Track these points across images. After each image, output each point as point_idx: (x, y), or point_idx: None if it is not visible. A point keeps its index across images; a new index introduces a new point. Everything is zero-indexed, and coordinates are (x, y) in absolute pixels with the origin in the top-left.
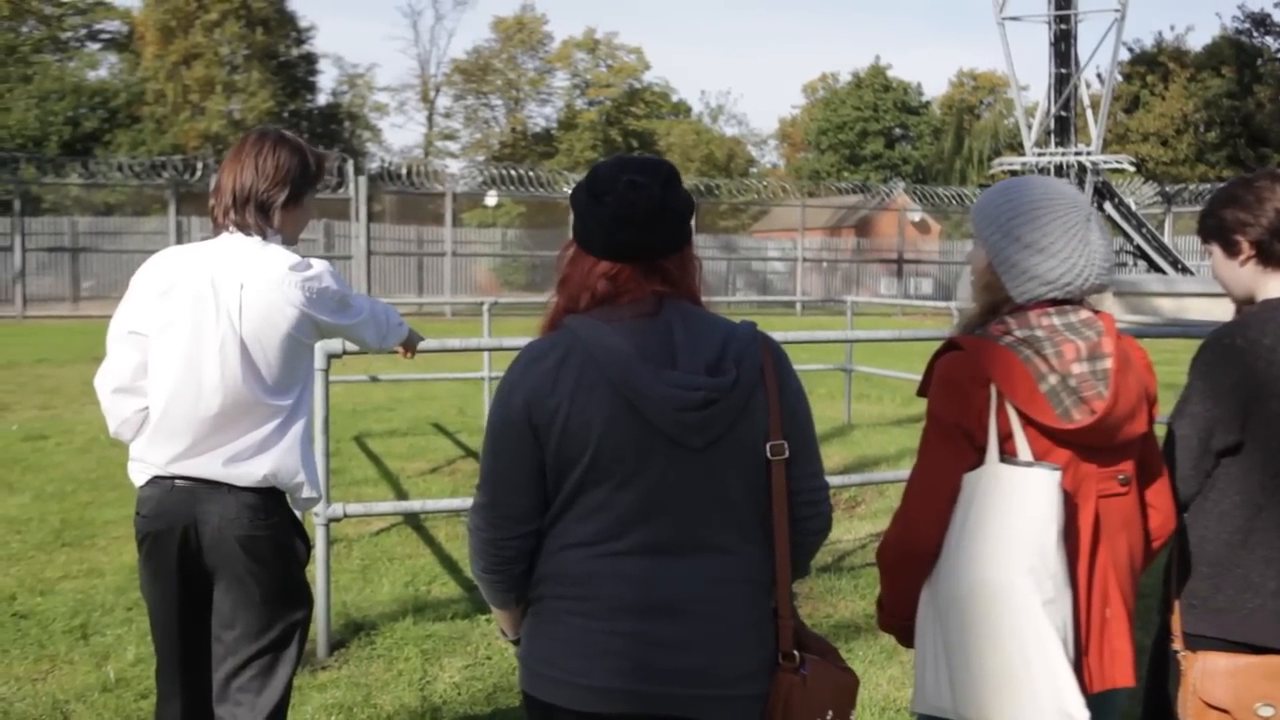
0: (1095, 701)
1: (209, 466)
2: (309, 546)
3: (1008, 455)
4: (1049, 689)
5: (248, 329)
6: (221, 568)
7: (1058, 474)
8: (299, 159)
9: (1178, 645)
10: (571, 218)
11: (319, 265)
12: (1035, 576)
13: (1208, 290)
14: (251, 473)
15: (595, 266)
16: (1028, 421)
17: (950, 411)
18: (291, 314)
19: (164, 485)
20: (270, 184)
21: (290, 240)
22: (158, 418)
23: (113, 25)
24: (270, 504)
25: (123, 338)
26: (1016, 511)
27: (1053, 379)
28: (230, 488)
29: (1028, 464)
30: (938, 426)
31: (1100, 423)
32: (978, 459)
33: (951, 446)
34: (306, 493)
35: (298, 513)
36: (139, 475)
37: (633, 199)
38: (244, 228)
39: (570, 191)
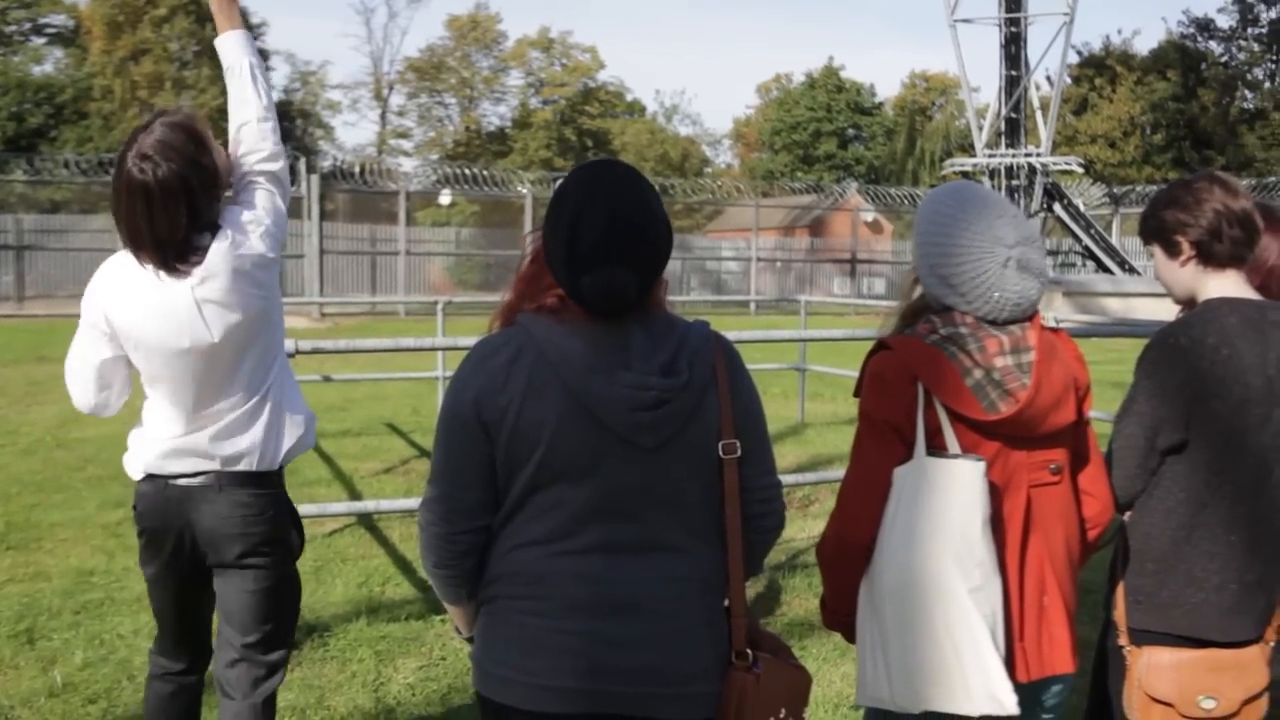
0: (1036, 688)
1: (198, 447)
2: (303, 539)
3: (936, 449)
4: (978, 675)
5: (210, 312)
6: (217, 563)
7: (981, 464)
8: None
9: (1123, 640)
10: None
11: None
12: (961, 565)
13: (1154, 290)
14: (241, 457)
15: (553, 287)
16: (955, 416)
17: (880, 409)
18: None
19: (158, 484)
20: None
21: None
22: (146, 408)
23: (59, 19)
24: (264, 500)
25: (91, 326)
26: (943, 502)
27: (977, 373)
28: (221, 487)
29: (953, 456)
30: (869, 424)
31: (1022, 412)
32: (908, 454)
33: (882, 443)
34: (295, 437)
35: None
36: (134, 469)
37: (607, 291)
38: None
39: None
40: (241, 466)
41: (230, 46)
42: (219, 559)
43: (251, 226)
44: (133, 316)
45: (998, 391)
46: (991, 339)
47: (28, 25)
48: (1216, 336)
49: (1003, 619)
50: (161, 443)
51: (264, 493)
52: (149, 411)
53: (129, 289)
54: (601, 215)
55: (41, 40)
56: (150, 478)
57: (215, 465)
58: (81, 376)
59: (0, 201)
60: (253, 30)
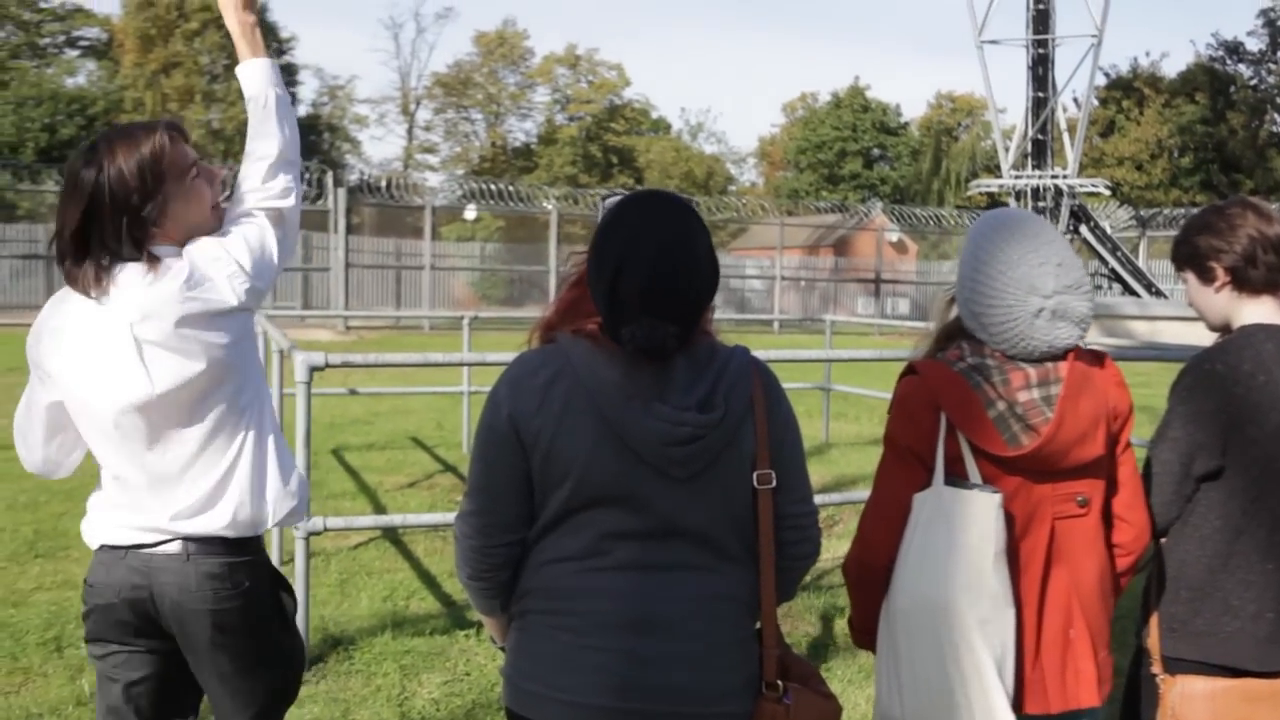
0: None
1: (155, 524)
2: (295, 600)
3: (955, 477)
4: (981, 706)
5: (158, 370)
6: (186, 643)
7: (997, 497)
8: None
9: (1156, 668)
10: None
11: (202, 261)
12: (971, 595)
13: (1182, 314)
14: (210, 525)
15: (594, 314)
16: (976, 448)
17: (903, 434)
18: (205, 335)
19: (115, 554)
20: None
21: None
22: (102, 475)
23: (92, 32)
24: (239, 569)
25: (33, 366)
26: (958, 531)
27: (1000, 405)
28: (189, 556)
29: (969, 486)
30: (892, 448)
31: (1043, 447)
32: (929, 480)
33: (904, 468)
34: (284, 509)
35: (292, 528)
36: (90, 537)
37: (647, 344)
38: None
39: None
40: (215, 532)
41: (254, 75)
42: (186, 636)
43: (220, 265)
44: (67, 364)
45: (1020, 425)
46: (1017, 372)
47: (61, 38)
48: (1253, 363)
49: (1014, 652)
50: (116, 513)
51: (241, 560)
52: (103, 473)
53: (67, 332)
54: (644, 266)
55: (75, 53)
56: (105, 548)
57: (184, 531)
58: (23, 426)
59: (32, 211)
60: (281, 44)
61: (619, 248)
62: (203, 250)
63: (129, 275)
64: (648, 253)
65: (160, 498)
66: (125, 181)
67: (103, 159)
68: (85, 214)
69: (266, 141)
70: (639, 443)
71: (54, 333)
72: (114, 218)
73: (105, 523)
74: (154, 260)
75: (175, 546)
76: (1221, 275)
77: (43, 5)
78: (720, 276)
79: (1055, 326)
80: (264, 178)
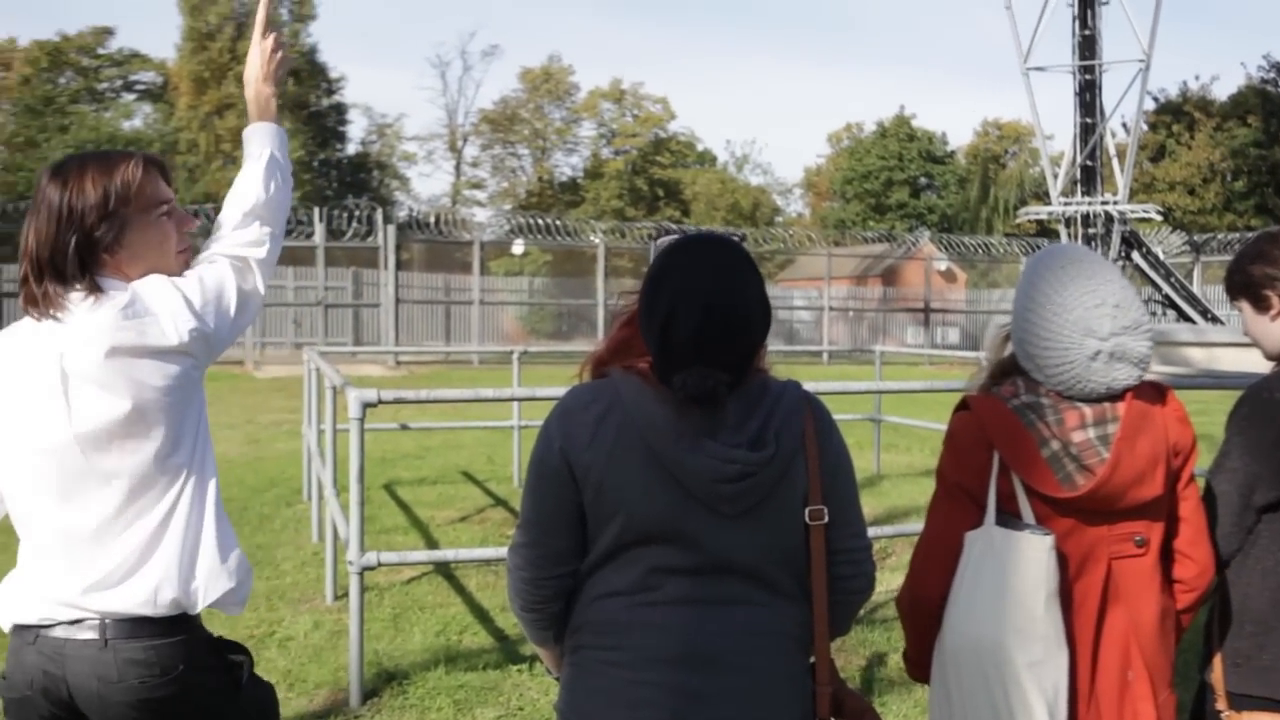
0: None
1: (69, 592)
2: (249, 656)
3: (1008, 516)
4: None
5: (83, 414)
6: None
7: (1049, 539)
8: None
9: (1221, 705)
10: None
11: (151, 294)
12: (1022, 638)
13: (1238, 340)
14: (127, 601)
15: (645, 354)
16: (1029, 489)
17: (954, 471)
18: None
19: (25, 637)
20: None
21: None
22: (20, 544)
23: (148, 76)
24: (169, 652)
25: None
26: (1009, 573)
27: (1054, 444)
28: (107, 641)
29: (1020, 528)
30: (944, 485)
31: (1099, 489)
32: (981, 517)
33: (955, 505)
34: (218, 590)
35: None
36: (2, 616)
37: (698, 392)
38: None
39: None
40: (136, 610)
41: (259, 133)
42: None
43: (168, 303)
44: None
45: (1074, 465)
46: (1072, 411)
47: (119, 82)
48: None
49: (1067, 694)
50: (28, 587)
51: (170, 642)
52: (21, 544)
53: None
54: (696, 315)
55: (132, 96)
56: (17, 629)
57: (99, 607)
58: None
59: None
60: (331, 84)
61: (670, 295)
62: (149, 284)
63: (69, 301)
64: (699, 301)
65: (74, 565)
66: (85, 198)
67: (70, 175)
68: (38, 230)
69: (248, 190)
70: (689, 479)
71: None
72: (65, 234)
73: (16, 596)
74: (96, 289)
75: (91, 630)
76: (1277, 304)
77: (101, 51)
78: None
79: (1113, 368)
80: (237, 224)
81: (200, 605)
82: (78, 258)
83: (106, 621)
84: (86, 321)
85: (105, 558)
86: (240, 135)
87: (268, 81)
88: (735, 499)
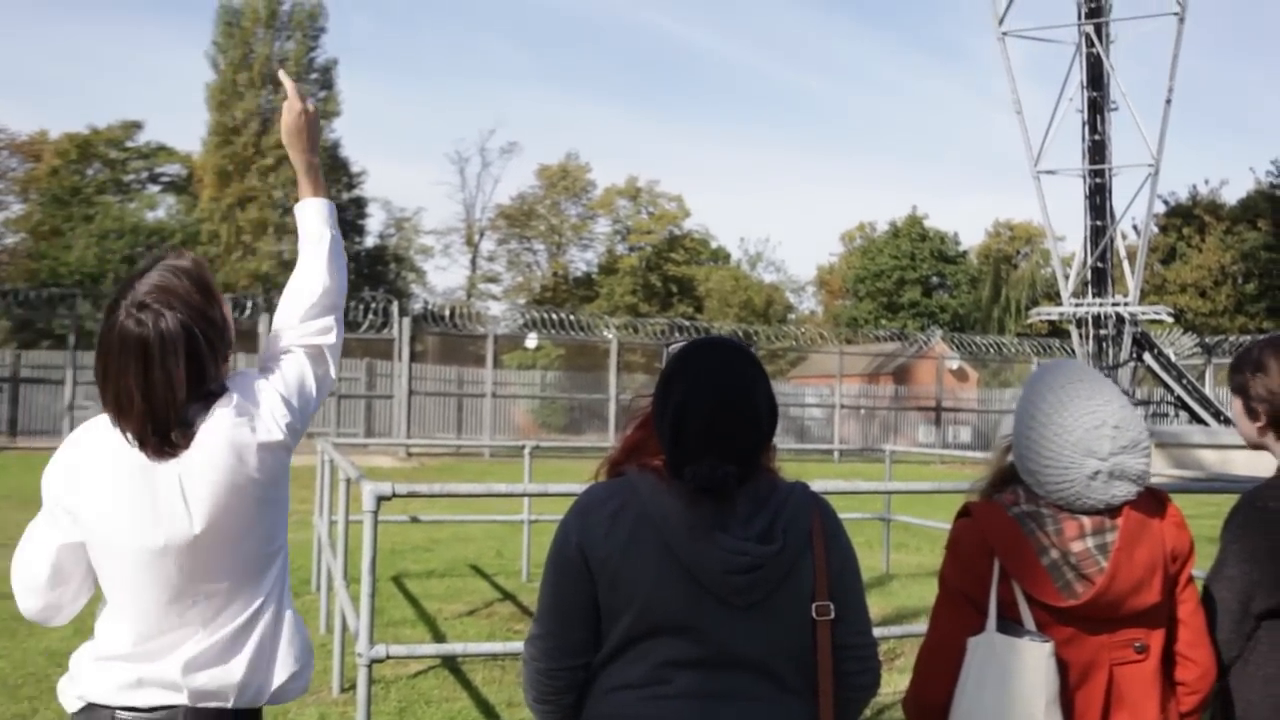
0: None
1: (163, 676)
2: None
3: (1009, 622)
4: None
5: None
6: None
7: (1048, 646)
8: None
9: None
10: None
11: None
12: None
13: None
14: (223, 679)
15: (659, 453)
16: (1029, 597)
17: (956, 578)
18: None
19: (98, 715)
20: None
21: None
22: (102, 619)
23: (173, 169)
24: None
25: (54, 503)
26: (1011, 678)
27: (1054, 553)
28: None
29: (1020, 634)
30: (946, 590)
31: (1098, 598)
32: (982, 622)
33: (957, 611)
34: (285, 674)
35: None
36: (70, 697)
37: (709, 483)
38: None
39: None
40: (214, 703)
41: (312, 213)
42: None
43: (266, 399)
44: (100, 503)
45: (1074, 574)
46: (1071, 522)
47: (145, 174)
48: None
49: None
50: (116, 665)
51: None
52: (104, 623)
53: (100, 467)
54: (705, 412)
55: (156, 188)
56: (90, 708)
57: (181, 699)
58: (33, 567)
59: None
60: (352, 178)
61: (682, 394)
62: (244, 382)
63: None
64: (710, 394)
65: (170, 657)
66: (225, 319)
67: (163, 308)
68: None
69: (314, 280)
70: (701, 570)
71: (74, 468)
72: (208, 357)
73: (97, 676)
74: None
75: (170, 715)
76: (1264, 418)
77: (129, 144)
78: (779, 410)
79: (1112, 486)
80: (306, 315)
81: (270, 690)
82: (212, 374)
83: (188, 711)
84: (205, 424)
85: (202, 653)
86: (260, 227)
87: (312, 150)
88: (745, 590)
